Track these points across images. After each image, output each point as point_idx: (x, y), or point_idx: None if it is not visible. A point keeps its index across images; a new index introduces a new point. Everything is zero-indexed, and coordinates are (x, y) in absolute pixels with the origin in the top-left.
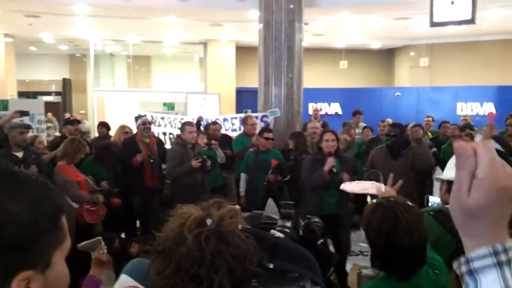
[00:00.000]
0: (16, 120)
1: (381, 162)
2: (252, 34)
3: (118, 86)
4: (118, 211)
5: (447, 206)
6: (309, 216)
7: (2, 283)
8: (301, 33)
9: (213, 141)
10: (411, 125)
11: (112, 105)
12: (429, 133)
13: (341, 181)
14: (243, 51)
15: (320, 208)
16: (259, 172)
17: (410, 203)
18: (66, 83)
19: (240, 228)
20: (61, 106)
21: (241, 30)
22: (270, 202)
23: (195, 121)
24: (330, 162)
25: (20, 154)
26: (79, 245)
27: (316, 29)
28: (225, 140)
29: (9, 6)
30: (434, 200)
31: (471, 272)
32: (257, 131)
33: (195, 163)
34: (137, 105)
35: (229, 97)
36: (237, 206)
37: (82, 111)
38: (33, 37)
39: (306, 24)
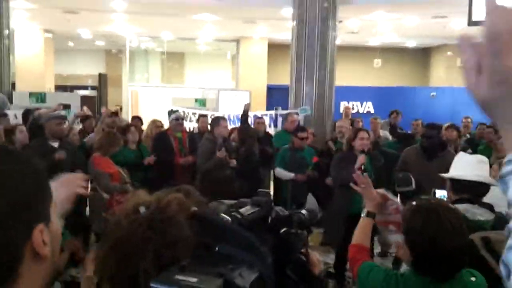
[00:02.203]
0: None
1: (413, 163)
2: (285, 32)
3: (152, 82)
4: None
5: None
6: (294, 207)
7: (26, 238)
8: (335, 31)
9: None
10: (445, 125)
11: (146, 100)
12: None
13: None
14: (275, 49)
15: (349, 207)
16: (298, 169)
17: (451, 205)
18: (102, 78)
19: (191, 212)
20: (97, 100)
21: (274, 27)
22: (311, 197)
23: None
24: (361, 159)
25: (55, 144)
26: None
27: (351, 27)
28: (265, 137)
29: (49, 3)
30: (442, 193)
31: (501, 176)
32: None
33: (219, 153)
34: (170, 101)
35: (260, 94)
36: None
37: (117, 106)
38: (72, 33)
39: (340, 22)
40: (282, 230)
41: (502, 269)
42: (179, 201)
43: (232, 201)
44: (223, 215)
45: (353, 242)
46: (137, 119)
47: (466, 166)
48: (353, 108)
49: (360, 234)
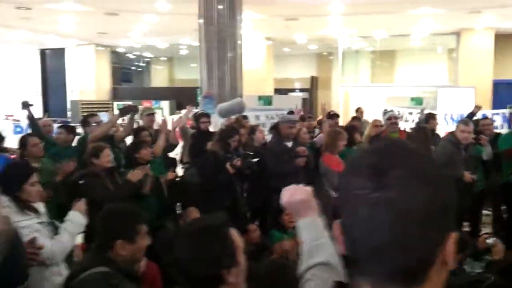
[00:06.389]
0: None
1: None
2: None
3: (360, 82)
4: None
5: None
6: None
7: (440, 243)
8: None
9: (482, 136)
10: None
11: (356, 101)
12: None
13: None
14: (502, 39)
15: None
16: None
17: None
18: (313, 80)
19: None
20: (309, 102)
21: (502, 16)
22: None
23: None
24: None
25: (289, 144)
26: None
27: None
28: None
29: (274, 12)
30: None
31: None
32: None
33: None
34: (384, 100)
35: (484, 90)
36: None
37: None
38: (288, 39)
39: None
40: None
41: None
42: None
43: None
44: None
45: None
46: (356, 120)
47: None
48: None
49: None
